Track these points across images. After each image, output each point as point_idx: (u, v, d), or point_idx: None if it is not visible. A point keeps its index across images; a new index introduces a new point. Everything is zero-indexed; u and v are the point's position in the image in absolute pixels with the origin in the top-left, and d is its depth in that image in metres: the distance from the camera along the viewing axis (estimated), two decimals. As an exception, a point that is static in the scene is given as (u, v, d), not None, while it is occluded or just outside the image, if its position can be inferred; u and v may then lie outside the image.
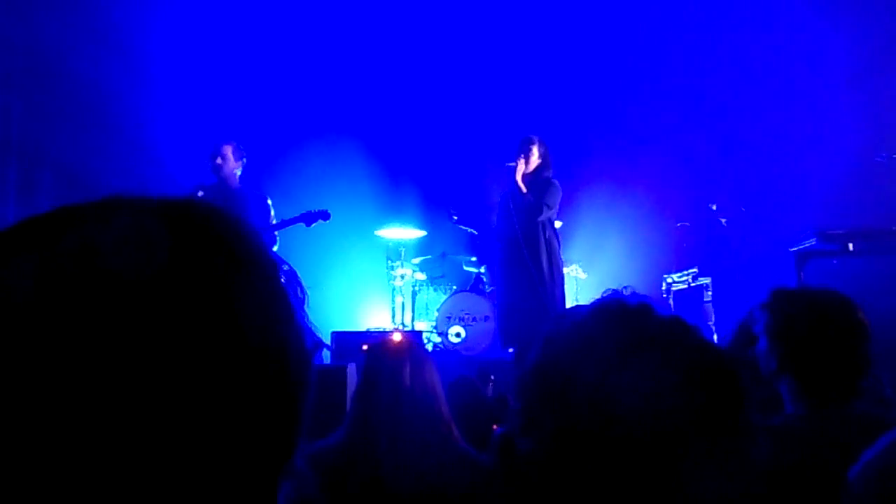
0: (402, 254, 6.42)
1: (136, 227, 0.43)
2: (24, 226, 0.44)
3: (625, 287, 0.81)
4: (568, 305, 5.06)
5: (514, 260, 4.79)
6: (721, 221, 6.06)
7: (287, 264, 0.50)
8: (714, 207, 6.07)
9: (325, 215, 4.66)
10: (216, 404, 0.41)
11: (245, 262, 0.46)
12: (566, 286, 5.19)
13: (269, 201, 4.72)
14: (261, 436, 0.44)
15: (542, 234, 4.83)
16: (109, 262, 0.41)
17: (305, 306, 0.49)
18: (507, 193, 4.97)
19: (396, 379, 1.67)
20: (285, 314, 0.47)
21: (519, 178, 4.82)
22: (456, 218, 6.41)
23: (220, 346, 0.41)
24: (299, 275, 0.50)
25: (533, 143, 4.98)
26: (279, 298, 0.47)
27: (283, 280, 0.48)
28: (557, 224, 5.70)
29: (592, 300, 0.79)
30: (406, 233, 6.61)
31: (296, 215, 4.63)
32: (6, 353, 0.38)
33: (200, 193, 4.55)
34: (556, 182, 5.03)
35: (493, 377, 4.13)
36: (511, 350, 4.81)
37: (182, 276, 0.42)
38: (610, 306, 0.77)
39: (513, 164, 4.89)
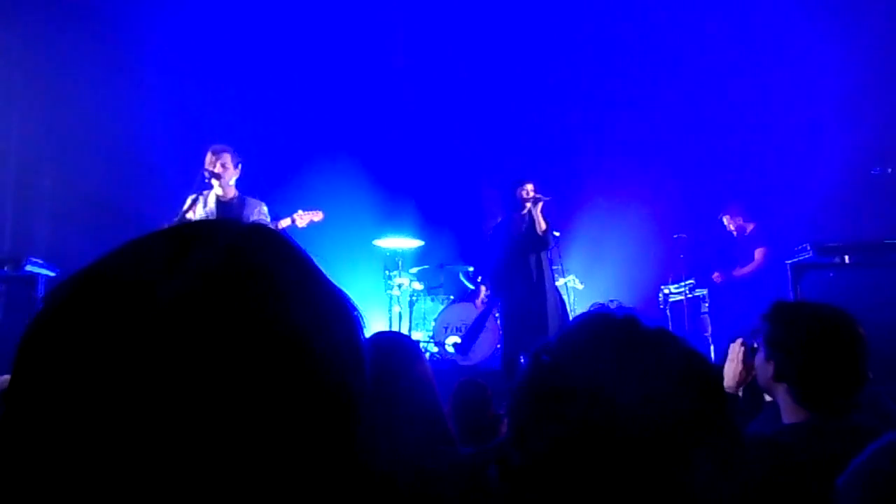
0: (400, 264, 6.43)
1: (213, 259, 0.45)
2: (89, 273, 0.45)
3: (611, 300, 0.83)
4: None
5: (528, 286, 4.94)
6: (732, 233, 6.11)
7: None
8: (726, 220, 6.13)
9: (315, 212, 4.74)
10: (283, 414, 0.42)
11: (313, 282, 0.49)
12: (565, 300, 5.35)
13: (265, 208, 4.73)
14: (321, 450, 0.44)
15: (549, 263, 5.07)
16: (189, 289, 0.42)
17: (363, 326, 0.52)
18: (514, 225, 5.08)
19: (381, 380, 1.64)
20: (351, 331, 0.49)
21: (539, 214, 5.02)
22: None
23: (290, 362, 0.43)
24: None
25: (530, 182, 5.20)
26: (344, 316, 0.49)
27: (347, 301, 0.50)
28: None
29: (580, 313, 0.81)
30: (404, 243, 6.62)
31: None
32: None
33: (201, 199, 4.55)
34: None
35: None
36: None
37: (254, 294, 0.43)
38: (597, 319, 0.78)
39: (546, 198, 5.04)
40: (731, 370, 1.92)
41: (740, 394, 1.94)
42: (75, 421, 0.38)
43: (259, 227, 0.50)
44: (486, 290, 5.79)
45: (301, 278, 0.47)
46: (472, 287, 6.46)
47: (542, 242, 5.03)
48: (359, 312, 0.51)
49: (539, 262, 5.02)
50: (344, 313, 0.49)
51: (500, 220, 5.29)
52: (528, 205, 5.03)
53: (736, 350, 1.93)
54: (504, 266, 5.05)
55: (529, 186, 5.08)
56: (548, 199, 5.10)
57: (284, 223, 4.67)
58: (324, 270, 0.50)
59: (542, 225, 5.01)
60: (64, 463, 0.38)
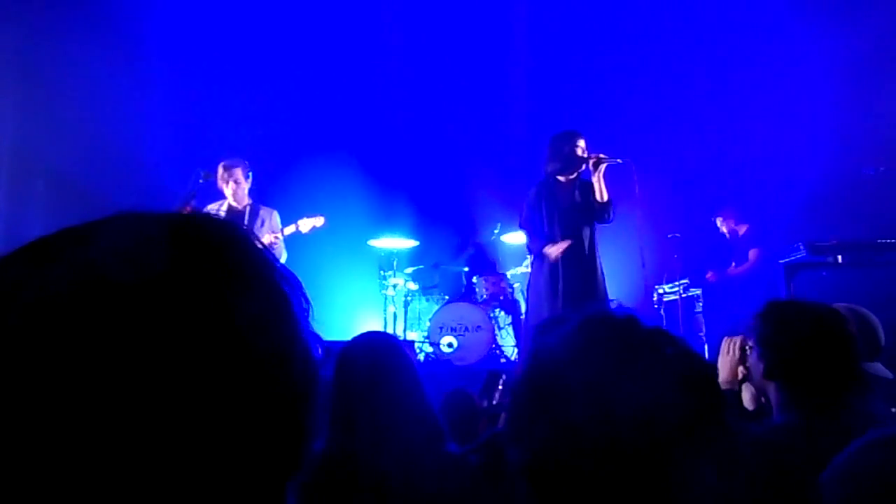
0: (395, 264, 6.43)
1: (139, 240, 0.44)
2: (30, 245, 0.45)
3: (611, 300, 0.84)
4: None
5: (580, 264, 4.23)
6: (725, 235, 6.15)
7: (293, 276, 0.51)
8: (719, 221, 6.18)
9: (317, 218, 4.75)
10: (214, 412, 0.41)
11: (246, 272, 0.47)
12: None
13: (276, 215, 4.77)
14: (264, 445, 0.43)
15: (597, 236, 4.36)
16: (109, 272, 0.42)
17: (309, 318, 0.50)
18: (561, 190, 4.28)
19: (372, 380, 1.65)
20: (289, 324, 0.48)
21: (602, 179, 4.11)
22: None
23: (218, 353, 0.42)
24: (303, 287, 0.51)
25: (582, 138, 4.21)
26: (282, 308, 0.48)
27: (287, 291, 0.49)
28: None
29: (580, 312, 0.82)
30: (399, 243, 6.62)
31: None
32: (10, 362, 0.39)
33: (223, 211, 4.56)
34: None
35: (504, 378, 3.77)
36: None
37: (182, 285, 0.43)
38: (597, 318, 0.79)
39: (616, 160, 4.15)
40: (725, 364, 1.91)
41: (746, 400, 1.94)
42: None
43: (204, 216, 0.49)
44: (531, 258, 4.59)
45: (240, 266, 0.46)
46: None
47: (602, 214, 4.12)
48: (306, 301, 0.50)
49: (592, 238, 4.21)
50: (283, 303, 0.48)
51: (540, 182, 4.34)
52: (589, 166, 4.06)
53: (728, 345, 1.92)
54: (550, 239, 4.14)
55: (582, 143, 4.17)
56: (618, 161, 4.09)
57: (289, 230, 4.68)
58: (315, 266, 0.49)
59: (604, 194, 4.08)
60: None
